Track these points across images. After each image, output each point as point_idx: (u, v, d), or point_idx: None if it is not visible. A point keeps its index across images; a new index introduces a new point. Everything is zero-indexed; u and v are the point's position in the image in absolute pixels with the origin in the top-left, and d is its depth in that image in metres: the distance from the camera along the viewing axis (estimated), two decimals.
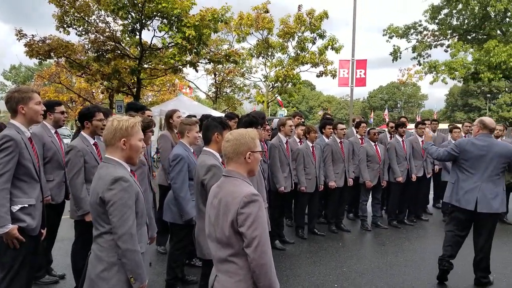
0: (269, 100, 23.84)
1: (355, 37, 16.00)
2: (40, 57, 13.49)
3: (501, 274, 4.79)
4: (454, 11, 20.57)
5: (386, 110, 46.25)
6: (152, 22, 13.52)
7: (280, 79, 20.06)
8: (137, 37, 13.81)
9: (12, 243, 2.78)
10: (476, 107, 55.03)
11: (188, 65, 14.75)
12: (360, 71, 15.88)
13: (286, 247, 5.64)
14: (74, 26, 13.66)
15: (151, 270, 4.53)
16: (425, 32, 21.99)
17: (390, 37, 21.58)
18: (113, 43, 14.12)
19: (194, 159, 3.84)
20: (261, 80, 24.43)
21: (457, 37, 20.87)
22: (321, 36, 19.38)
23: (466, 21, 20.60)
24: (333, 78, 19.76)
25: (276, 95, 23.26)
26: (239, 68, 23.93)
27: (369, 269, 4.95)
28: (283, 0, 31.58)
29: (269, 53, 21.52)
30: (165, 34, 13.43)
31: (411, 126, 11.28)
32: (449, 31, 21.10)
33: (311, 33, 19.60)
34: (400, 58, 21.54)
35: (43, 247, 3.94)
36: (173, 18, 12.83)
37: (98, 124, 3.70)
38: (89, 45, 14.22)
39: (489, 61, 16.98)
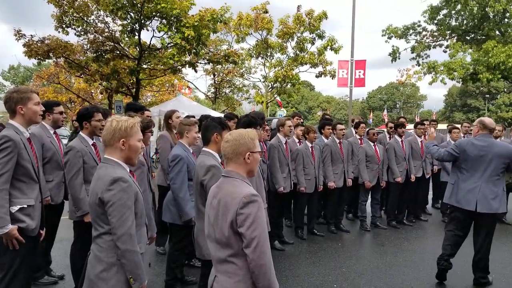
0: (268, 101, 23.84)
1: (354, 38, 16.02)
2: (39, 57, 13.48)
3: (500, 274, 4.79)
4: (453, 12, 20.63)
5: (385, 111, 46.26)
6: (151, 22, 13.53)
7: (279, 79, 20.08)
8: (136, 37, 13.81)
9: (12, 243, 2.77)
10: (475, 108, 55.12)
11: (187, 65, 14.74)
12: (359, 72, 15.87)
13: (285, 248, 5.64)
14: (73, 26, 13.65)
15: (150, 271, 4.53)
16: (424, 33, 22.06)
17: (389, 38, 21.64)
18: (112, 44, 14.11)
19: (193, 159, 3.83)
20: (260, 81, 24.47)
21: (456, 37, 20.92)
22: (320, 36, 19.41)
23: (465, 21, 20.66)
24: (332, 79, 19.78)
25: (275, 96, 23.27)
26: (238, 69, 23.95)
27: (368, 269, 4.96)
28: (282, 0, 31.63)
29: (268, 54, 21.53)
30: (164, 34, 13.44)
31: (410, 126, 11.30)
32: (448, 32, 21.15)
33: (310, 34, 19.63)
34: (399, 58, 21.61)
35: (43, 248, 3.94)
36: (172, 18, 12.83)
37: (96, 124, 3.70)
38: (88, 46, 14.21)
39: (487, 62, 17.02)
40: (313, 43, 19.83)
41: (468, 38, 20.83)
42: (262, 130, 4.97)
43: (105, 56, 14.18)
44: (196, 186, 3.14)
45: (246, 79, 25.73)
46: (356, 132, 7.11)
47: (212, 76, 24.84)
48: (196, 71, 15.74)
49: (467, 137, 7.30)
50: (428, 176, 7.40)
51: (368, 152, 6.70)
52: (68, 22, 13.48)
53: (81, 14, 13.37)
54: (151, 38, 14.23)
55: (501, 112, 50.93)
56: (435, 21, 21.32)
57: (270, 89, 22.82)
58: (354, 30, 15.99)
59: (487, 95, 51.85)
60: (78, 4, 13.27)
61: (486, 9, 18.42)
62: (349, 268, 4.99)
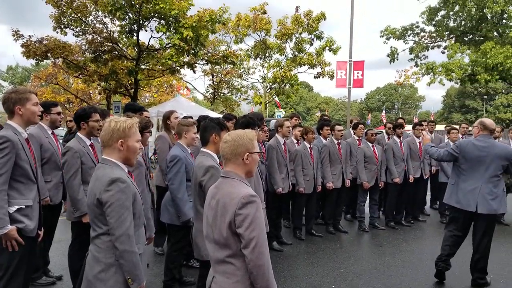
0: (267, 101, 23.85)
1: (352, 39, 16.05)
2: (37, 57, 13.44)
3: (498, 275, 4.80)
4: (451, 13, 20.67)
5: (384, 112, 46.33)
6: (149, 23, 13.51)
7: (278, 80, 20.11)
8: (135, 38, 13.78)
9: (11, 244, 2.76)
10: (473, 109, 55.27)
11: (185, 66, 14.74)
12: (358, 73, 15.91)
13: (283, 248, 5.64)
14: (71, 27, 13.61)
15: (148, 271, 4.52)
16: (422, 34, 22.09)
17: (388, 39, 21.66)
18: (111, 44, 14.08)
19: (192, 160, 3.83)
20: (258, 81, 24.51)
21: (454, 38, 20.96)
22: (319, 37, 19.45)
23: (463, 22, 20.70)
24: (330, 80, 19.83)
25: (274, 96, 23.28)
26: (236, 69, 23.93)
27: (366, 270, 4.96)
28: (281, 1, 31.66)
29: (267, 54, 21.56)
30: (162, 35, 13.42)
31: (408, 127, 11.32)
32: (446, 33, 21.19)
33: (309, 35, 19.67)
34: (397, 59, 21.64)
35: (41, 248, 3.93)
36: (171, 19, 12.82)
37: (94, 125, 3.69)
38: (86, 46, 14.17)
39: (486, 63, 17.07)
40: (311, 44, 19.88)
41: (466, 39, 20.88)
42: (260, 131, 4.97)
43: (104, 57, 14.14)
44: (195, 186, 3.14)
45: (244, 79, 25.78)
46: (354, 133, 7.11)
47: (210, 77, 24.82)
48: (194, 71, 15.74)
49: (465, 138, 7.32)
50: (426, 177, 7.42)
51: (367, 152, 6.70)
52: (66, 22, 13.44)
53: (79, 15, 13.33)
54: (150, 39, 14.26)
55: (499, 113, 51.09)
56: (433, 22, 21.36)
57: (269, 90, 22.84)
58: (352, 31, 16.04)
59: (485, 96, 52.04)
60: (76, 5, 13.23)
61: (484, 10, 18.46)
62: (348, 268, 4.99)
